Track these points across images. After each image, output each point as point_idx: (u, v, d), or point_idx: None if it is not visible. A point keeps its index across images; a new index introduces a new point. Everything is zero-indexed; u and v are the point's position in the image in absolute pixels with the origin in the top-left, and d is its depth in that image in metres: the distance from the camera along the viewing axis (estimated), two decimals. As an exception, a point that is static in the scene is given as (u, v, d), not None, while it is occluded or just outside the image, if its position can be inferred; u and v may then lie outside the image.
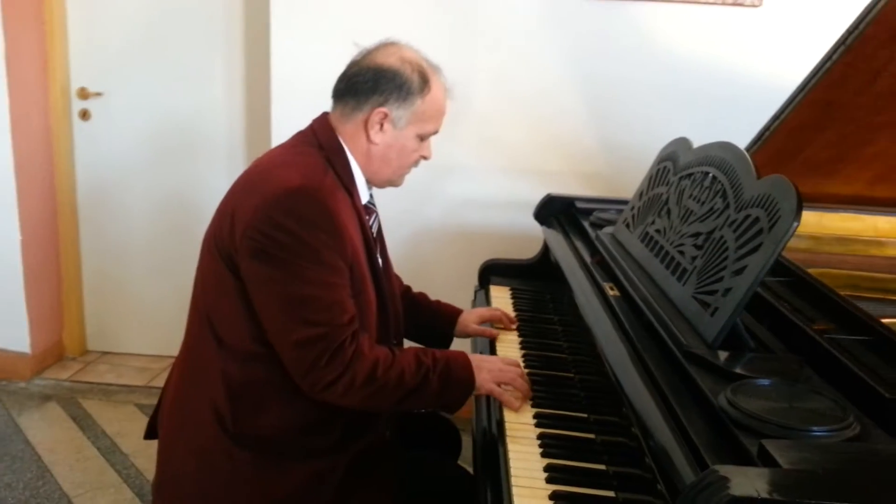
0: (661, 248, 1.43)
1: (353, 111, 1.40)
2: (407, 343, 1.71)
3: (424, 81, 1.39)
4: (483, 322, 1.75)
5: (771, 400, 0.92)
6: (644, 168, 2.62)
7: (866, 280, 1.69)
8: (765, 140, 1.84)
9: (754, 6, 2.57)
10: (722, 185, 1.33)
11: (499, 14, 2.59)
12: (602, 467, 1.20)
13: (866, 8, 1.39)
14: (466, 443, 1.76)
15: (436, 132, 1.46)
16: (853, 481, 0.71)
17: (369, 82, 1.37)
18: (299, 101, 2.70)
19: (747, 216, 1.18)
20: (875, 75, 1.58)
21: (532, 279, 2.13)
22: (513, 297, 2.00)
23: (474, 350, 1.81)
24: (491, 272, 2.15)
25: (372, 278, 1.41)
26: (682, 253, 1.33)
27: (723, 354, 1.07)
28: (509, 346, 1.69)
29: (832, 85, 1.60)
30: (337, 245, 1.28)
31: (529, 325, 1.79)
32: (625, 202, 2.08)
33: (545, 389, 1.45)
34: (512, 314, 1.87)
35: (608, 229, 1.79)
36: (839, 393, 0.97)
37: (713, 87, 2.59)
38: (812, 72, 1.60)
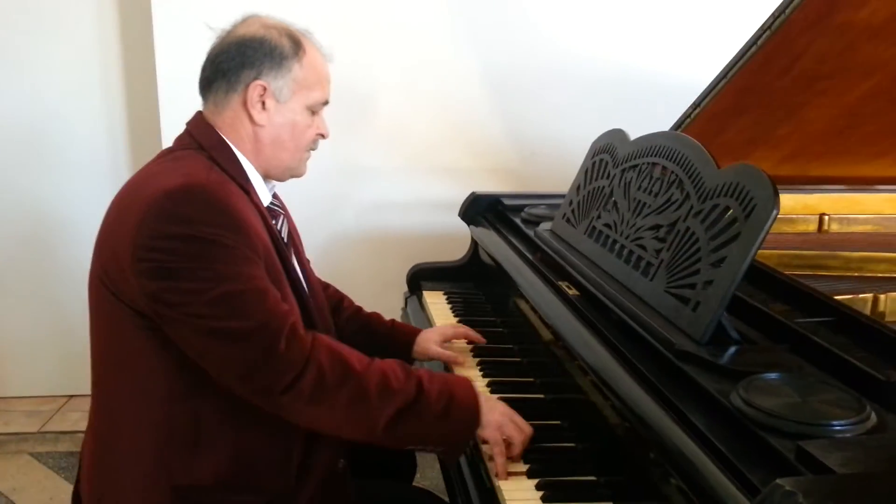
0: (615, 242, 1.40)
1: (227, 95, 1.24)
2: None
3: (296, 44, 1.25)
4: (447, 342, 1.59)
5: (784, 396, 0.89)
6: (554, 160, 2.64)
7: (794, 258, 1.74)
8: (685, 127, 1.86)
9: (648, -5, 2.62)
10: (676, 175, 1.31)
11: (400, 8, 2.50)
12: (592, 478, 1.15)
13: (794, -9, 1.42)
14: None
15: (326, 102, 1.31)
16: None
17: (235, 58, 1.22)
18: (193, 99, 2.50)
19: (715, 206, 1.17)
20: (794, 60, 1.62)
21: (463, 280, 2.07)
22: (449, 302, 1.93)
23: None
24: (420, 277, 2.07)
25: (290, 284, 1.25)
26: (642, 247, 1.31)
27: (714, 350, 1.05)
28: (460, 353, 1.61)
29: (754, 70, 1.63)
30: (241, 238, 1.12)
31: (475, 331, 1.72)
32: (550, 196, 2.06)
33: (509, 400, 1.38)
34: (453, 319, 1.81)
35: (545, 225, 1.75)
36: (835, 380, 0.97)
37: (614, 77, 2.62)
38: (735, 57, 1.63)
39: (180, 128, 1.33)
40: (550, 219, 1.81)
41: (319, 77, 1.29)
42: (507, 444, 1.18)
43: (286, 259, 1.27)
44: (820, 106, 1.83)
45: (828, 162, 2.22)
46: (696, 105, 1.80)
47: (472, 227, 2.06)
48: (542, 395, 1.42)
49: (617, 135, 1.60)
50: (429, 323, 1.85)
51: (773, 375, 0.94)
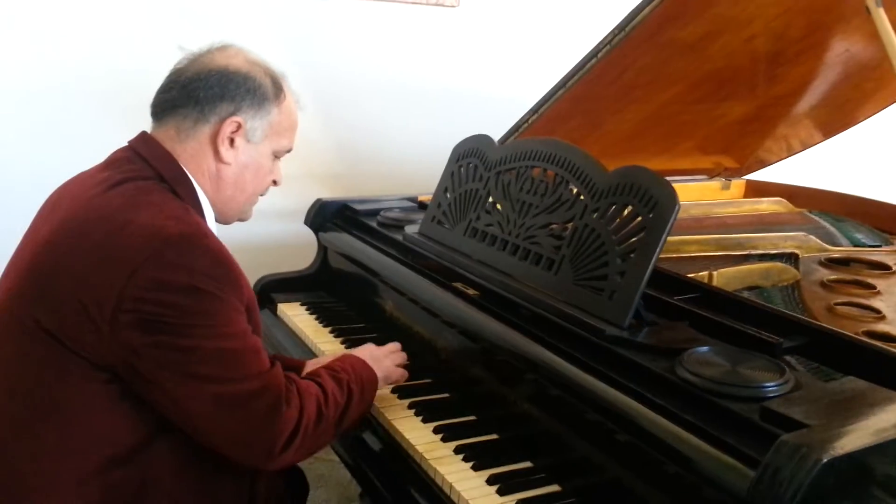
0: (505, 241, 1.47)
1: (196, 124, 1.17)
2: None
3: (278, 87, 1.23)
4: None
5: (718, 366, 1.03)
6: (379, 167, 2.68)
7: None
8: (523, 131, 2.01)
9: (453, 7, 2.76)
10: (561, 177, 1.42)
11: (220, 13, 2.37)
12: (528, 464, 1.22)
13: (633, 11, 1.61)
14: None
15: (290, 150, 1.30)
16: (872, 422, 0.85)
17: (215, 87, 1.16)
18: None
19: (612, 204, 1.29)
20: (623, 71, 1.83)
21: (314, 290, 2.03)
22: (312, 312, 1.88)
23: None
24: (270, 289, 1.99)
25: None
26: (538, 244, 1.40)
27: (634, 333, 1.17)
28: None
29: (590, 80, 1.81)
30: (236, 291, 1.09)
31: (352, 342, 1.70)
32: (392, 199, 2.10)
33: (423, 401, 1.41)
34: (324, 331, 1.78)
35: (411, 228, 1.78)
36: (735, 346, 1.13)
37: (429, 85, 2.73)
38: (576, 68, 1.80)
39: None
40: (409, 222, 1.85)
41: (291, 124, 1.27)
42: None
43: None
44: (630, 111, 2.09)
45: (624, 160, 2.51)
46: (534, 111, 1.95)
47: (321, 234, 2.02)
48: (447, 395, 1.46)
49: (483, 140, 1.67)
50: (296, 336, 1.79)
51: (703, 349, 1.08)
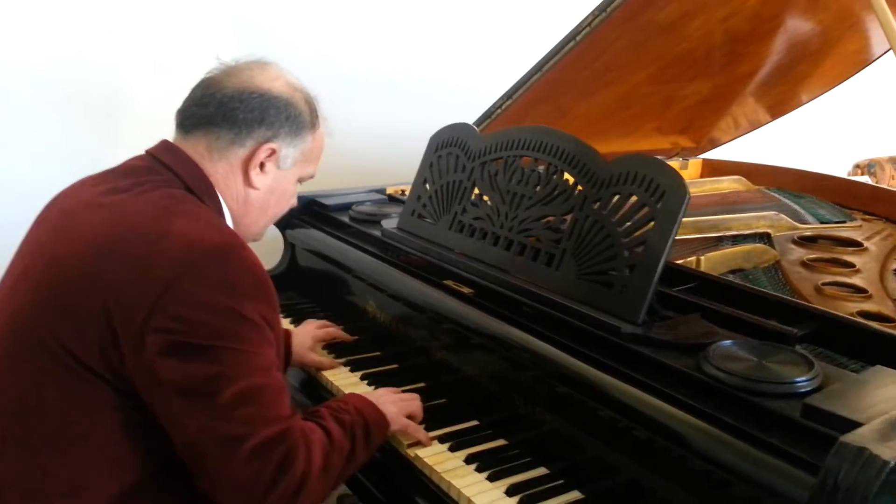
0: (497, 235, 1.41)
1: (230, 146, 1.13)
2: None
3: (314, 115, 1.20)
4: (320, 343, 1.57)
5: (745, 361, 1.00)
6: (340, 158, 2.55)
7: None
8: (495, 117, 1.94)
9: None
10: (555, 167, 1.37)
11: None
12: (544, 471, 1.17)
13: (611, -6, 1.56)
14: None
15: (313, 176, 1.26)
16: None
17: (255, 111, 1.11)
18: None
19: (615, 194, 1.24)
20: (600, 54, 1.79)
21: (283, 290, 1.91)
22: (285, 316, 1.77)
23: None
24: (237, 292, 1.87)
25: None
26: (534, 238, 1.34)
27: (653, 328, 1.13)
28: (338, 373, 1.50)
29: (567, 64, 1.76)
30: (272, 317, 1.03)
31: (333, 347, 1.61)
32: (366, 192, 2.01)
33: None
34: (303, 335, 1.68)
35: (388, 223, 1.70)
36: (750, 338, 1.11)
37: (392, 74, 2.63)
38: (552, 52, 1.74)
39: None
40: (384, 216, 1.77)
41: (320, 152, 1.24)
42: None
43: None
44: (601, 95, 2.05)
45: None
46: (507, 96, 1.89)
47: (288, 231, 1.91)
48: (444, 400, 1.39)
49: (464, 129, 1.60)
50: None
51: (726, 343, 1.04)
